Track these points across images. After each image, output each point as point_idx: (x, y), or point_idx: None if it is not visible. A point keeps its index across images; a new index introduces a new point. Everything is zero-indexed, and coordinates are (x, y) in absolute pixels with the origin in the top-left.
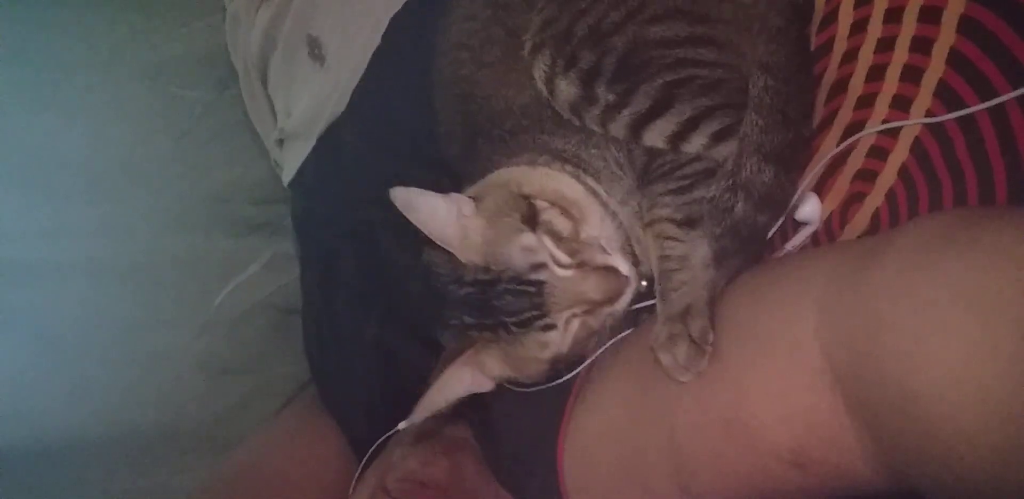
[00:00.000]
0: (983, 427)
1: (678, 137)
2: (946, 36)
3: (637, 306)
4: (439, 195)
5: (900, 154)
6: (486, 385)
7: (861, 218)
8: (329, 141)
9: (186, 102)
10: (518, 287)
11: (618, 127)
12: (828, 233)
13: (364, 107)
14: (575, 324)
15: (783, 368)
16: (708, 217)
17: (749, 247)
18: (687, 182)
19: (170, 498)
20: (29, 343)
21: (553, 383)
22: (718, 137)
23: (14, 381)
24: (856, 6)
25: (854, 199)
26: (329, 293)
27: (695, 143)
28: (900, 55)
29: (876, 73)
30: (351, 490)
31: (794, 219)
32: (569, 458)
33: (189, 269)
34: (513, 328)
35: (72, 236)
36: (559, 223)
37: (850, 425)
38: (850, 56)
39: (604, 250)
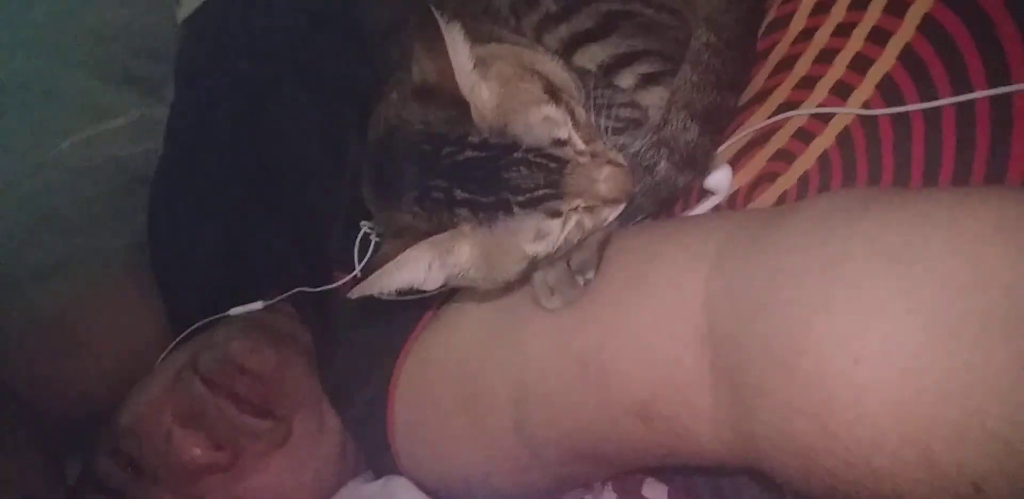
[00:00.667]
0: (880, 381)
1: (609, 68)
2: (905, 31)
3: None
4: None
5: (825, 140)
6: (437, 280)
7: (767, 197)
8: None
9: None
10: (537, 159)
11: (552, 39)
12: (732, 207)
13: None
14: (572, 220)
15: (658, 315)
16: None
17: (661, 206)
18: (619, 125)
19: None
20: None
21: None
22: (646, 80)
23: None
24: None
25: (766, 178)
26: (193, 146)
27: (623, 79)
28: (855, 43)
29: (826, 56)
30: (158, 362)
31: (700, 187)
32: (406, 375)
33: (46, 101)
34: (516, 208)
35: None
36: (576, 107)
37: (710, 384)
38: (805, 35)
39: (611, 148)
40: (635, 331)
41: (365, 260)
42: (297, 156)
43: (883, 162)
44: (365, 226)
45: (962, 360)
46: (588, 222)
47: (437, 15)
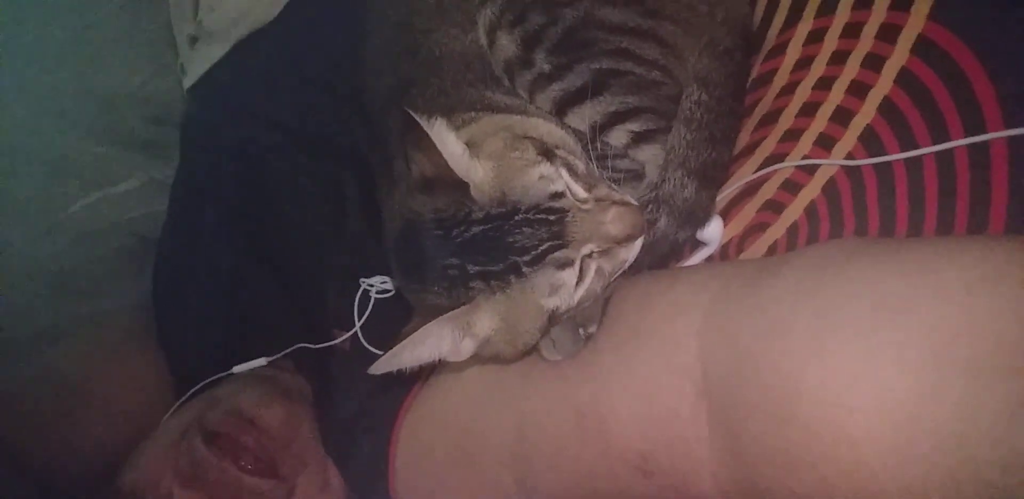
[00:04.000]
0: (874, 431)
1: (601, 127)
2: (883, 84)
3: None
4: (452, 134)
5: (811, 191)
6: (463, 353)
7: (758, 247)
8: (246, 50)
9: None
10: (537, 216)
11: (545, 99)
12: (724, 257)
13: (293, 22)
14: (591, 269)
15: (654, 367)
16: None
17: (663, 260)
18: (618, 175)
19: None
20: None
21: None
22: (639, 138)
23: None
24: (806, 43)
25: (757, 228)
26: (197, 208)
27: (616, 137)
28: (836, 96)
29: (809, 109)
30: (163, 420)
31: (693, 238)
32: (406, 431)
33: (57, 166)
34: (526, 268)
35: None
36: (572, 159)
37: (707, 435)
38: (788, 90)
39: (615, 190)
40: (632, 384)
41: (364, 317)
42: (297, 217)
43: (869, 211)
44: (364, 283)
45: (954, 408)
46: (607, 266)
47: (416, 116)
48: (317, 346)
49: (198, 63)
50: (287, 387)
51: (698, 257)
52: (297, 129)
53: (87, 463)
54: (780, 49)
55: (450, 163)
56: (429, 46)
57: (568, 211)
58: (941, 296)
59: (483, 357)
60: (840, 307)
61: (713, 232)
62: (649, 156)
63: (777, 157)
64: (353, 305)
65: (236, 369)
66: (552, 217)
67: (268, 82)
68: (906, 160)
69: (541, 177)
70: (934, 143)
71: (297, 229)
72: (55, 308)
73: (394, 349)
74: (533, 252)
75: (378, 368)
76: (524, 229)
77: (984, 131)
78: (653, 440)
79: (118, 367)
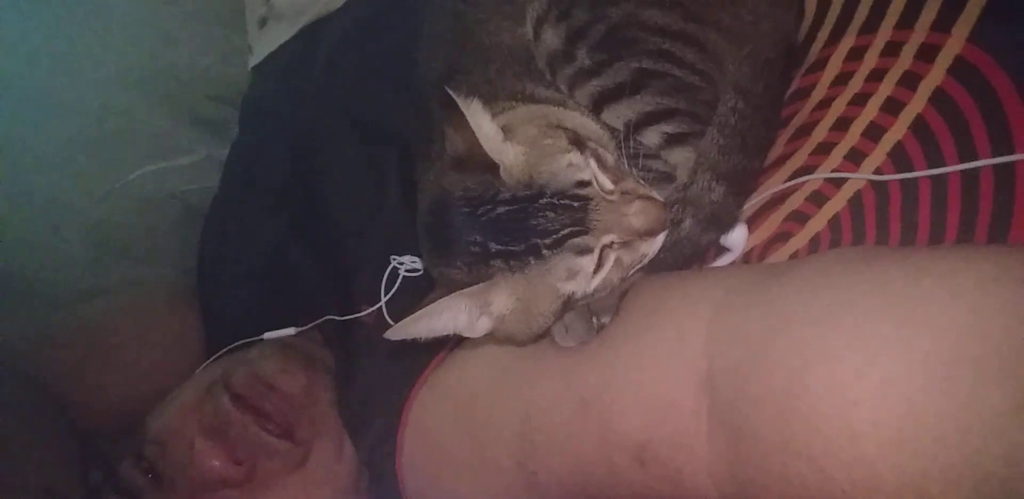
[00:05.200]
0: (874, 424)
1: (635, 126)
2: (917, 102)
3: None
4: (488, 115)
5: (837, 203)
6: (478, 330)
7: (780, 256)
8: (310, 35)
9: None
10: (561, 201)
11: (584, 94)
12: (746, 263)
13: (357, 11)
14: (610, 259)
15: (660, 359)
16: None
17: (686, 262)
18: (649, 175)
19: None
20: None
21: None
22: (671, 141)
23: None
24: (846, 59)
25: (780, 238)
26: (247, 182)
27: (649, 137)
28: (870, 112)
29: (842, 124)
30: (194, 374)
31: (718, 243)
32: (419, 406)
33: (124, 135)
34: (545, 251)
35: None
36: (602, 152)
37: (706, 429)
38: (824, 104)
39: (643, 184)
40: (637, 374)
41: (391, 293)
42: (339, 194)
43: (890, 226)
44: (394, 260)
45: (959, 403)
46: (626, 258)
47: (454, 94)
48: (343, 318)
49: (265, 43)
50: (311, 357)
51: (721, 262)
52: (351, 113)
53: (112, 413)
54: (821, 64)
55: (483, 143)
56: (479, 36)
57: (592, 199)
58: (954, 295)
59: (498, 337)
60: (849, 304)
61: (737, 238)
62: (681, 159)
63: (807, 169)
64: (382, 282)
65: (267, 335)
66: (576, 204)
67: (329, 66)
68: (932, 177)
69: (570, 165)
70: (961, 162)
71: (339, 207)
72: (102, 268)
73: (411, 316)
74: (554, 235)
75: (394, 333)
76: (548, 213)
77: (1012, 152)
78: (652, 431)
79: (153, 326)
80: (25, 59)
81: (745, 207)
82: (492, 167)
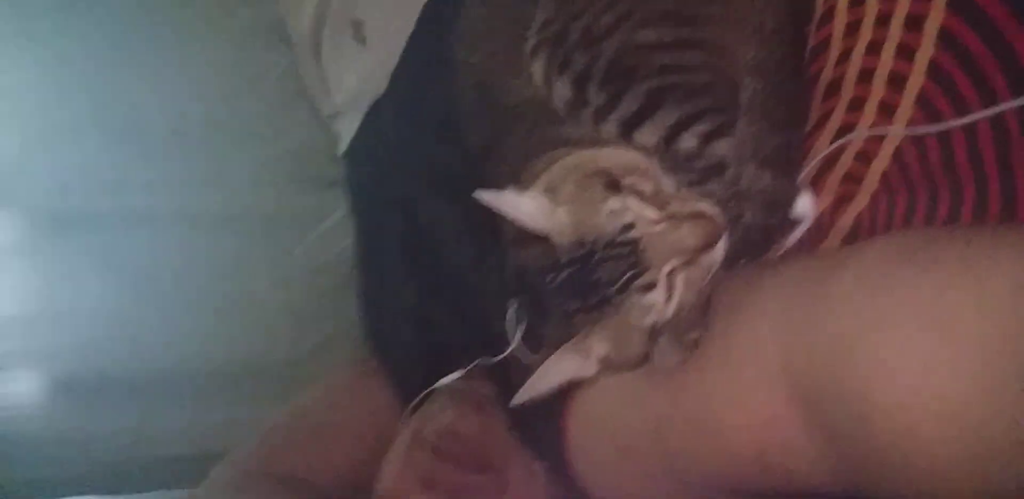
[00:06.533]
0: (941, 442)
1: (668, 139)
2: (926, 46)
3: None
4: (521, 194)
5: (882, 161)
6: (589, 370)
7: (847, 219)
8: (374, 117)
9: (267, 64)
10: (613, 252)
11: (609, 128)
12: (819, 231)
13: (400, 88)
14: (679, 282)
15: (745, 378)
16: None
17: (761, 248)
18: (697, 177)
19: (246, 430)
20: (129, 285)
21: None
22: (709, 138)
23: (116, 318)
24: (850, 6)
25: (843, 200)
26: (376, 260)
27: (686, 143)
28: (886, 60)
29: (865, 76)
30: (397, 433)
31: (787, 219)
32: (574, 428)
33: (271, 221)
34: (615, 299)
35: (166, 188)
36: (641, 183)
37: (807, 437)
38: (844, 57)
39: (688, 200)
40: (733, 394)
41: (518, 336)
42: (453, 252)
43: (937, 180)
44: (512, 306)
45: (1010, 418)
46: (695, 275)
47: (482, 195)
48: (495, 359)
49: (344, 132)
50: (478, 396)
51: (796, 235)
52: (431, 177)
53: (347, 483)
54: (830, 14)
55: (526, 224)
56: (503, 99)
57: (639, 240)
58: (981, 309)
59: (610, 369)
60: (892, 324)
61: (804, 208)
62: (726, 149)
63: (847, 128)
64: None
65: (440, 383)
66: (626, 250)
67: (399, 141)
68: (963, 127)
69: (610, 213)
70: (984, 106)
71: (455, 265)
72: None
73: (528, 382)
74: (618, 283)
75: (519, 399)
76: (605, 265)
77: None
78: (760, 441)
79: (352, 395)
80: None
81: (802, 176)
82: (546, 238)
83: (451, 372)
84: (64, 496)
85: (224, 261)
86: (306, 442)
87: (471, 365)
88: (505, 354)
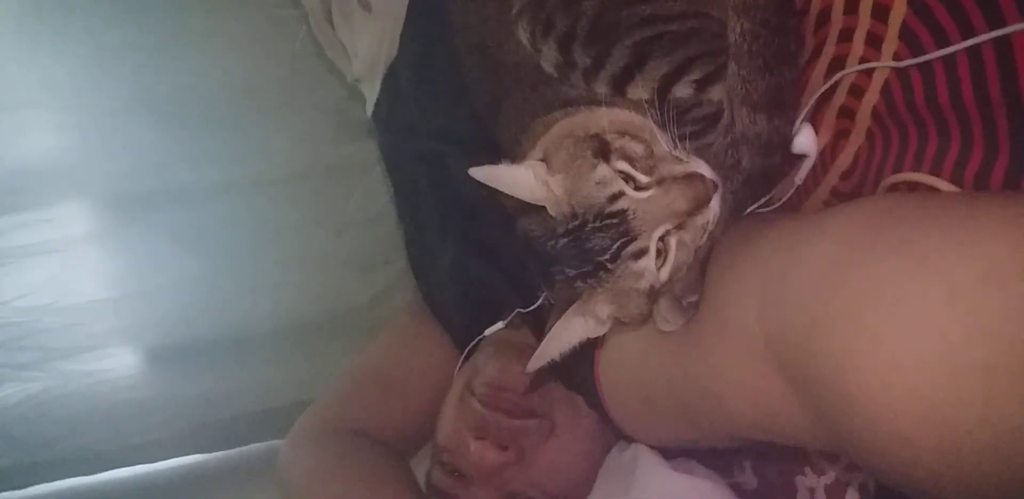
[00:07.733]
0: (917, 431)
1: (661, 91)
2: None
3: None
4: (515, 167)
5: (872, 95)
6: (600, 329)
7: (846, 156)
8: (391, 81)
9: (288, 22)
10: (603, 222)
11: (600, 86)
12: (822, 166)
13: (409, 52)
14: (671, 245)
15: (736, 354)
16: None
17: (765, 189)
18: (697, 127)
19: (324, 379)
20: (201, 256)
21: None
22: (703, 84)
23: (194, 288)
24: None
25: (841, 135)
26: (414, 215)
27: (681, 93)
28: None
29: (851, 6)
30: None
31: (789, 156)
32: (604, 378)
33: (321, 176)
34: (609, 265)
35: (218, 161)
36: (631, 147)
37: (799, 408)
38: None
39: (681, 160)
40: (726, 365)
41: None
42: (484, 206)
43: (922, 115)
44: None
45: (976, 416)
46: (687, 237)
47: (475, 171)
48: (528, 309)
49: (367, 96)
50: (519, 345)
51: (804, 169)
52: (454, 134)
53: (413, 431)
54: None
55: (522, 197)
56: (504, 58)
57: (627, 210)
58: (949, 298)
59: (619, 324)
60: (864, 309)
61: (807, 142)
62: (722, 94)
63: (838, 60)
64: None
65: (487, 332)
66: (614, 220)
67: (416, 103)
68: (943, 59)
69: (598, 182)
70: (963, 37)
71: (486, 217)
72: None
73: (541, 346)
74: (610, 251)
75: (534, 364)
76: (597, 234)
77: (1004, 23)
78: (758, 410)
79: (410, 348)
80: None
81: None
82: (542, 208)
83: (495, 322)
84: (171, 457)
85: (283, 223)
86: (372, 398)
87: (510, 316)
88: (536, 305)
